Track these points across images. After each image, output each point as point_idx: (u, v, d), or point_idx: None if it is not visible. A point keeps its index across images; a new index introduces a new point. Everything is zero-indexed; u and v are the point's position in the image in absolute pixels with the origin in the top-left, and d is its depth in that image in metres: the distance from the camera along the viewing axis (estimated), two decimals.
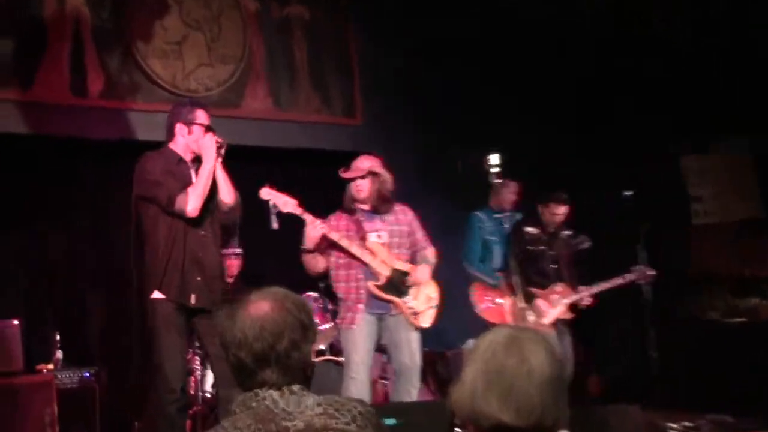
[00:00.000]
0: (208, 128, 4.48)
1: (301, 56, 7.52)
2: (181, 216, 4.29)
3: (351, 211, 5.15)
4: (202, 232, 4.38)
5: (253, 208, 4.79)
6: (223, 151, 4.40)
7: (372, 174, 5.05)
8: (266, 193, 4.72)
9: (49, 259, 6.57)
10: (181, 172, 4.43)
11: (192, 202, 4.28)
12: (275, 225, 4.64)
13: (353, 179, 5.09)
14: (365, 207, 5.13)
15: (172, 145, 4.49)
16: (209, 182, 4.34)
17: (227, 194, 4.43)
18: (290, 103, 7.40)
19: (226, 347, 2.28)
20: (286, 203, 4.73)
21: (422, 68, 7.73)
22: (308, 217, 4.86)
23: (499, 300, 6.10)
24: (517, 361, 2.01)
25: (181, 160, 4.46)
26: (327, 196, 5.48)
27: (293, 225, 4.88)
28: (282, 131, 7.34)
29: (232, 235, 5.52)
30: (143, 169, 4.38)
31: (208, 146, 4.38)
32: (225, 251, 5.28)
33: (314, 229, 4.88)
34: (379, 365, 6.14)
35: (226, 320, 2.31)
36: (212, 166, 4.37)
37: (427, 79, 7.73)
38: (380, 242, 5.13)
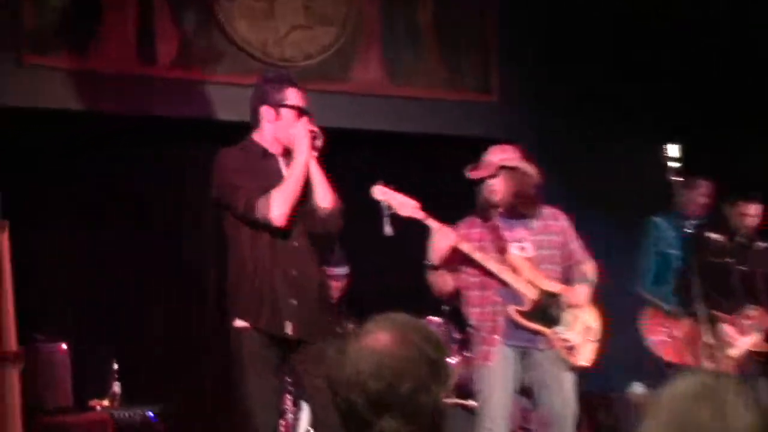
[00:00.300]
0: (302, 112, 4.46)
1: (425, 17, 7.61)
2: (266, 225, 4.30)
3: (486, 217, 5.16)
4: (295, 244, 4.38)
5: (360, 209, 4.79)
6: (319, 142, 4.38)
7: (507, 169, 5.07)
8: (379, 192, 4.72)
9: (107, 266, 6.69)
10: (266, 170, 4.43)
11: (277, 207, 4.27)
12: (389, 230, 4.62)
13: (483, 179, 5.10)
14: (504, 211, 5.14)
15: (256, 136, 4.49)
16: (300, 182, 4.34)
17: (324, 197, 4.43)
18: (410, 75, 7.50)
19: (333, 388, 2.27)
20: (404, 205, 4.73)
21: (580, 33, 7.80)
22: (434, 224, 4.86)
23: (677, 332, 6.08)
24: (712, 417, 2.01)
25: (266, 153, 4.46)
26: (456, 195, 5.51)
27: (412, 232, 4.88)
28: (399, 110, 7.44)
29: (328, 251, 5.50)
30: (219, 168, 4.40)
31: (300, 136, 4.37)
32: (328, 271, 5.38)
33: (442, 238, 4.88)
34: (520, 412, 6.12)
35: (334, 355, 2.32)
36: (304, 161, 4.35)
37: (587, 47, 7.77)
38: (524, 256, 5.15)
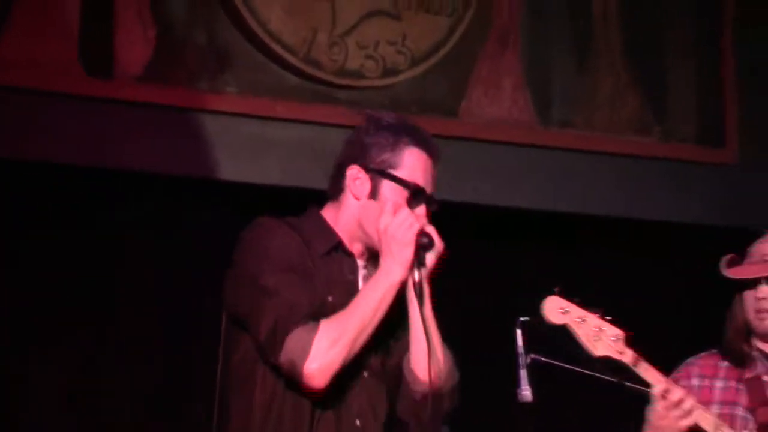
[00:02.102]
0: (420, 197, 3.46)
1: (606, 8, 6.31)
2: (292, 377, 3.32)
3: (741, 358, 4.19)
4: (357, 423, 3.46)
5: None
6: (432, 256, 3.39)
7: None
8: (555, 308, 3.68)
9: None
10: (329, 276, 3.47)
11: (320, 355, 3.30)
12: (527, 394, 3.98)
13: (752, 282, 4.17)
14: None
15: (327, 213, 3.51)
16: (376, 319, 3.35)
17: (427, 365, 3.40)
18: (576, 112, 6.25)
19: None
20: (600, 336, 3.76)
21: None
22: (660, 383, 3.79)
23: None
24: None
25: (339, 248, 3.49)
26: (664, 311, 5.62)
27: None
28: (558, 174, 6.22)
29: None
30: (247, 250, 3.43)
31: (399, 237, 3.38)
32: None
33: (671, 407, 3.80)
34: None
35: None
36: (394, 283, 3.37)
37: None
38: None
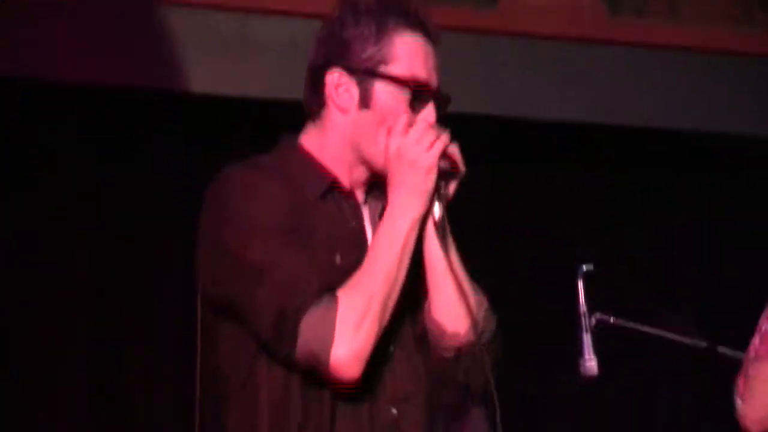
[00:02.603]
0: (424, 92, 2.98)
1: None
2: (315, 373, 2.90)
3: None
4: (394, 412, 3.05)
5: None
6: (453, 185, 3.00)
7: None
8: None
9: None
10: (328, 228, 3.03)
11: (348, 337, 2.93)
12: (592, 366, 3.79)
13: None
14: None
15: (307, 140, 3.06)
16: (402, 273, 2.96)
17: (461, 313, 3.05)
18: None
19: None
20: None
21: None
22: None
23: None
24: None
25: (333, 188, 3.05)
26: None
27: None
28: (629, 78, 5.67)
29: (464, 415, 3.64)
30: (220, 217, 3.00)
31: (417, 157, 2.99)
32: None
33: None
34: None
35: None
36: (414, 223, 3.00)
37: None
38: None
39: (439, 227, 2.99)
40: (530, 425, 5.76)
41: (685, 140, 5.90)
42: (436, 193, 2.94)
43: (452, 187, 2.98)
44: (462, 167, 2.97)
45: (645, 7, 5.76)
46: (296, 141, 3.02)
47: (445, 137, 2.93)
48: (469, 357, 3.05)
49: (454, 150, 2.93)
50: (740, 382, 3.43)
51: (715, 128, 5.83)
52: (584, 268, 3.82)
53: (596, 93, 5.66)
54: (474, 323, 3.03)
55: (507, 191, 5.73)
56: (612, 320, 3.85)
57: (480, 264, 3.11)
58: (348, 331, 2.91)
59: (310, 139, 3.02)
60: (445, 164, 2.92)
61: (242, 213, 2.95)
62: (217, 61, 5.19)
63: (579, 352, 3.72)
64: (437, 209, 2.94)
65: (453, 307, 3.04)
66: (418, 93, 2.96)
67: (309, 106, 2.98)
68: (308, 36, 4.68)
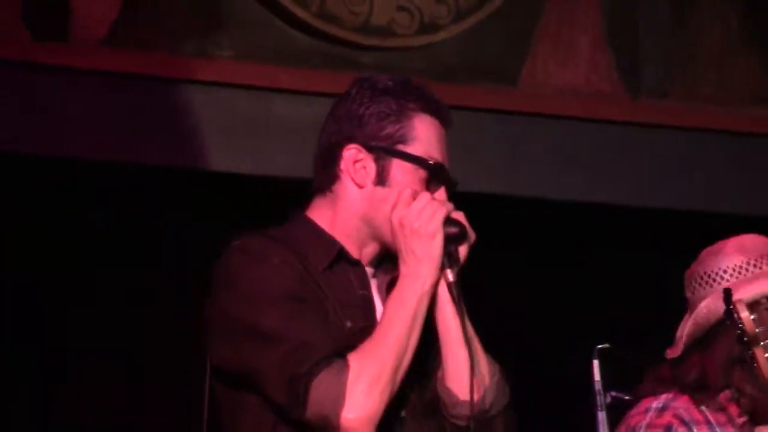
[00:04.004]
0: (439, 175, 3.16)
1: None
2: (325, 431, 3.05)
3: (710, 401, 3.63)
4: None
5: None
6: (464, 249, 3.12)
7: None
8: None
9: None
10: (337, 297, 3.13)
11: (361, 398, 3.04)
12: None
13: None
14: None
15: (317, 213, 3.17)
16: (414, 339, 3.07)
17: (465, 376, 3.12)
18: (673, 78, 5.73)
19: None
20: None
21: None
22: None
23: None
24: None
25: (340, 257, 3.15)
26: None
27: None
28: (649, 159, 5.70)
29: None
30: (231, 286, 3.09)
31: (427, 230, 3.12)
32: None
33: None
34: None
35: None
36: (427, 290, 3.10)
37: None
38: None
39: (453, 292, 3.03)
40: None
41: (709, 222, 5.51)
42: (447, 258, 3.03)
43: (463, 251, 3.05)
44: (471, 232, 3.08)
45: (663, 89, 5.74)
46: (304, 212, 3.10)
47: (448, 205, 3.05)
48: (481, 426, 3.10)
49: (459, 215, 3.03)
50: None
51: (741, 211, 5.70)
52: (599, 347, 3.74)
53: (620, 174, 5.63)
54: (485, 392, 3.11)
55: (531, 272, 5.64)
56: (627, 398, 3.68)
57: (496, 339, 3.14)
58: (359, 395, 2.99)
59: (320, 212, 3.10)
60: (451, 230, 3.00)
61: (253, 282, 3.04)
62: (235, 138, 5.25)
63: (594, 430, 3.65)
64: (450, 275, 3.01)
65: (465, 375, 3.06)
66: (433, 174, 3.09)
67: (320, 180, 3.09)
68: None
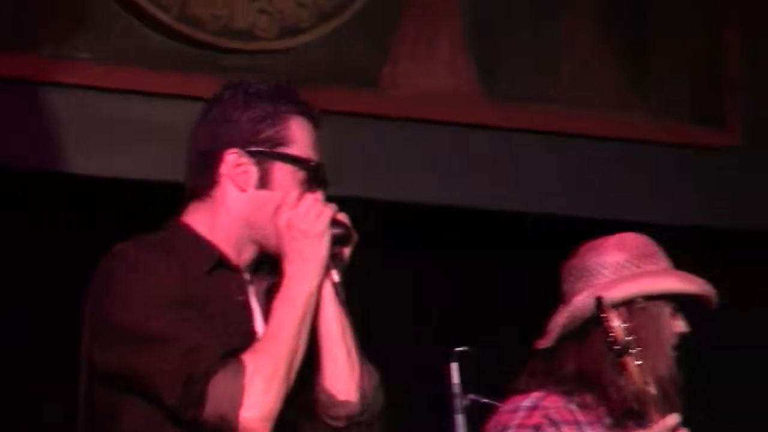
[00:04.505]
0: (316, 175, 3.23)
1: None
2: (223, 430, 3.05)
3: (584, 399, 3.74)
4: None
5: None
6: (347, 251, 3.19)
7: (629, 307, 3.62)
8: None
9: None
10: (216, 305, 3.15)
11: (258, 398, 3.07)
12: None
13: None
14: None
15: (193, 218, 3.19)
16: (301, 340, 3.12)
17: (347, 379, 3.23)
18: (533, 81, 5.86)
19: None
20: None
21: None
22: None
23: None
24: None
25: (220, 264, 3.18)
26: None
27: None
28: (508, 162, 5.84)
29: None
30: (115, 293, 3.09)
31: (312, 231, 3.17)
32: None
33: None
34: None
35: None
36: (311, 290, 3.17)
37: None
38: None
39: (337, 292, 3.11)
40: None
41: (569, 225, 5.43)
42: (332, 259, 3.10)
43: (347, 252, 3.13)
44: (354, 232, 3.14)
45: (522, 92, 5.76)
46: (180, 219, 3.14)
47: (332, 206, 3.10)
48: (359, 429, 3.15)
49: (344, 217, 3.08)
50: None
51: (597, 215, 5.65)
52: (457, 349, 3.97)
53: (477, 178, 5.64)
54: (363, 394, 3.15)
55: (389, 273, 5.58)
56: (485, 400, 3.88)
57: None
58: (256, 394, 3.03)
59: (197, 217, 3.14)
60: (336, 231, 3.06)
61: (137, 288, 3.05)
62: (94, 141, 5.21)
63: None
64: (335, 275, 3.09)
65: (344, 375, 3.15)
66: (313, 175, 3.14)
67: (195, 185, 3.12)
68: (189, 118, 4.98)
